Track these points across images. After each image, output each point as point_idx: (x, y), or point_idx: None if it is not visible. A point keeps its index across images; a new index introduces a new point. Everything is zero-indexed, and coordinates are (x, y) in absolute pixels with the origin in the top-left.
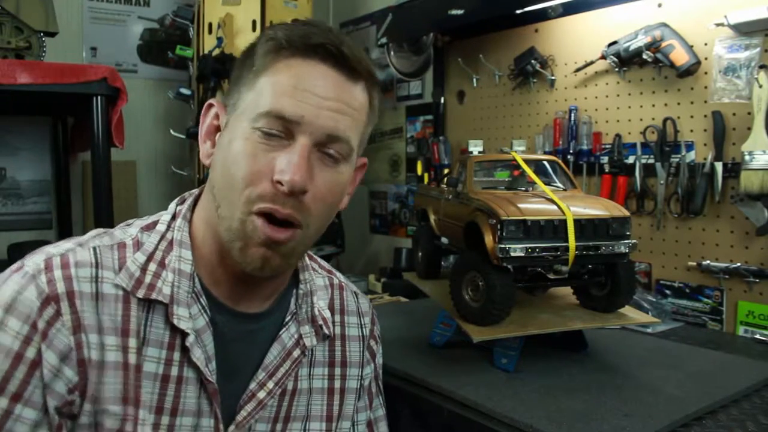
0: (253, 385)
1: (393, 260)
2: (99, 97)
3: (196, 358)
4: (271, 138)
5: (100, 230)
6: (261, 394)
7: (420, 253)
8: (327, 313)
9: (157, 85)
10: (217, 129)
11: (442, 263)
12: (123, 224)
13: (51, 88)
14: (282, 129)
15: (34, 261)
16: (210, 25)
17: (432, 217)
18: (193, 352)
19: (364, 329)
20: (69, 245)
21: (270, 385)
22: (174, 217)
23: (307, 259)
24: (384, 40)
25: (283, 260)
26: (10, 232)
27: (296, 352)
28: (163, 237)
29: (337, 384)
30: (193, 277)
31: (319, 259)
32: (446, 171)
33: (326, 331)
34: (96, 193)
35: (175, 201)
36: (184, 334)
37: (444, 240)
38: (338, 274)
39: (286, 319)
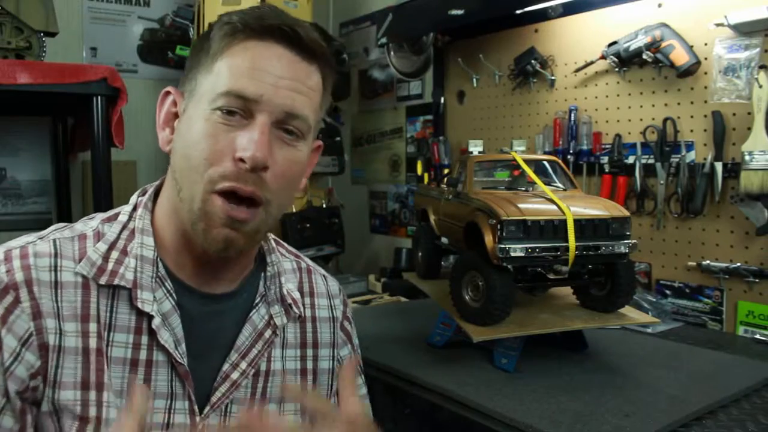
0: (226, 366)
1: (393, 260)
2: (99, 97)
3: (164, 341)
4: (231, 117)
5: (62, 224)
6: (234, 375)
7: (420, 253)
8: (296, 295)
9: (157, 85)
10: (175, 116)
11: (442, 263)
12: (85, 218)
13: (51, 88)
14: (241, 107)
15: None
16: (210, 25)
17: (432, 217)
18: (160, 335)
19: (335, 311)
20: (30, 238)
21: (243, 365)
22: (135, 208)
23: (273, 242)
24: (384, 40)
25: (246, 240)
26: (10, 232)
27: (267, 333)
28: (124, 227)
29: (310, 365)
30: (156, 262)
31: (285, 244)
32: (446, 171)
33: (296, 311)
34: (96, 193)
35: (137, 193)
36: (150, 318)
37: (444, 240)
38: (306, 258)
39: (256, 301)
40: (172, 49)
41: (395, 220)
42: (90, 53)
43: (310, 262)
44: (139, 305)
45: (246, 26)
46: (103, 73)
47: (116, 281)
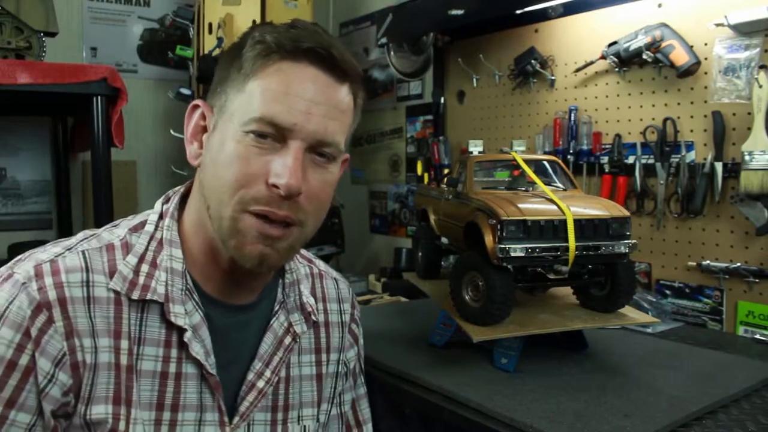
0: (251, 376)
1: (393, 260)
2: (99, 97)
3: (196, 353)
4: (263, 140)
5: (88, 232)
6: (260, 384)
7: (420, 253)
8: (312, 301)
9: (157, 85)
10: (204, 129)
11: (442, 263)
12: (109, 225)
13: (51, 88)
14: (274, 133)
15: (24, 269)
16: (210, 25)
17: (432, 217)
18: (192, 347)
19: (344, 315)
20: (58, 249)
21: (267, 373)
22: (161, 217)
23: None
24: (384, 40)
25: (281, 256)
26: (10, 232)
27: (287, 340)
28: (152, 237)
29: (324, 369)
30: (185, 274)
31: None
32: (446, 171)
33: (314, 318)
34: (96, 193)
35: (161, 200)
36: (180, 331)
37: (444, 240)
38: (318, 261)
39: (275, 309)
40: (172, 49)
41: (395, 220)
42: (90, 53)
43: (322, 266)
44: (172, 319)
45: (280, 47)
46: (103, 73)
47: (148, 296)
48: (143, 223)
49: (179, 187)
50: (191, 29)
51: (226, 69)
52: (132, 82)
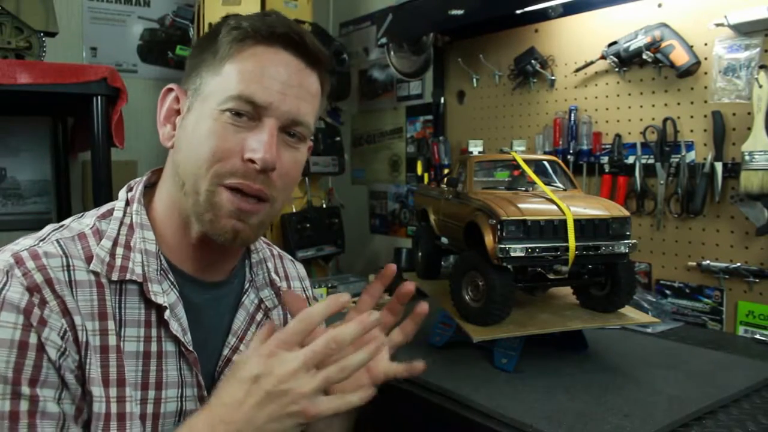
0: (226, 351)
1: (393, 260)
2: (99, 97)
3: (175, 331)
4: (239, 118)
5: (55, 225)
6: (235, 358)
7: (420, 253)
8: (277, 278)
9: (157, 85)
10: (177, 112)
11: (442, 263)
12: (75, 216)
13: (51, 88)
14: (250, 111)
15: (1, 259)
16: (210, 25)
17: (432, 217)
18: (171, 325)
19: (306, 291)
20: (30, 241)
21: (242, 348)
22: (128, 203)
23: None
24: (384, 40)
25: (252, 231)
26: (10, 232)
27: (259, 316)
28: (122, 222)
29: None
30: (158, 255)
31: None
32: (446, 171)
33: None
34: (96, 193)
35: (124, 189)
36: (160, 310)
37: (444, 240)
38: (274, 245)
39: (246, 287)
40: (172, 49)
41: (395, 220)
42: (90, 53)
43: (277, 248)
44: (152, 297)
45: (256, 32)
46: (103, 73)
47: (127, 276)
48: (111, 211)
49: (139, 177)
50: (191, 29)
51: (199, 55)
52: (132, 82)
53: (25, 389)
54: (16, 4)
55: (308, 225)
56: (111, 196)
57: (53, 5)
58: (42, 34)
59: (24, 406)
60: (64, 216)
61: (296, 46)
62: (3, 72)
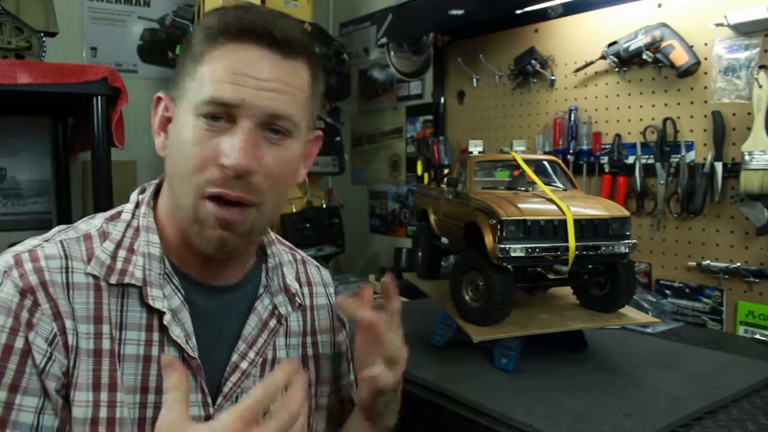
0: (234, 357)
1: (393, 260)
2: (99, 97)
3: (176, 336)
4: (215, 122)
5: (64, 225)
6: (243, 365)
7: (420, 253)
8: (296, 285)
9: (157, 85)
10: (169, 120)
11: (442, 263)
12: (86, 218)
13: (51, 88)
14: (224, 113)
15: (3, 259)
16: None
17: (432, 217)
18: (171, 331)
19: (330, 298)
20: (35, 242)
21: (251, 354)
22: (137, 206)
23: (272, 235)
24: (384, 40)
25: (241, 239)
26: (10, 232)
27: (272, 322)
28: (129, 225)
29: (311, 351)
30: (162, 259)
31: (279, 237)
32: (446, 171)
33: (299, 301)
34: (96, 193)
35: (137, 191)
36: (160, 314)
37: (444, 240)
38: (298, 250)
39: (259, 292)
40: (172, 49)
41: (395, 220)
42: (90, 53)
43: (302, 254)
44: (150, 302)
45: (224, 30)
46: (103, 73)
47: (126, 280)
48: (119, 213)
49: (154, 179)
50: (191, 29)
51: (182, 60)
52: (132, 82)
53: (2, 394)
54: (16, 4)
55: (308, 225)
56: (111, 197)
57: (53, 5)
58: (42, 34)
59: None
60: (63, 216)
61: (266, 40)
62: (3, 72)
